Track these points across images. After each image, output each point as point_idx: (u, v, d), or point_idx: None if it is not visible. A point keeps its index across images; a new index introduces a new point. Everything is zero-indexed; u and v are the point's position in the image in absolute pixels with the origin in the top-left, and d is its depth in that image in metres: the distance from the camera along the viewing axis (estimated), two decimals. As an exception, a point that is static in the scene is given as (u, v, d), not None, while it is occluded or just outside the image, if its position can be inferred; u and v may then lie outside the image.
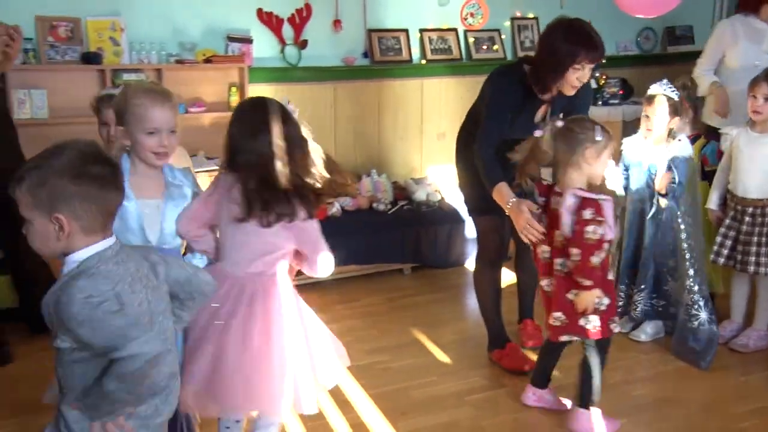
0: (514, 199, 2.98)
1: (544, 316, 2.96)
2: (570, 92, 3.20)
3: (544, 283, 2.95)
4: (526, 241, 2.94)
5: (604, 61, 3.31)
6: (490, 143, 3.18)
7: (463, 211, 4.39)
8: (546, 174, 3.07)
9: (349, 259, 4.40)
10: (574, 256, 2.71)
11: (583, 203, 2.70)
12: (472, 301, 3.91)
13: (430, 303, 4.34)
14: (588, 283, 2.72)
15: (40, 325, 3.75)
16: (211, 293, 2.05)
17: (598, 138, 2.75)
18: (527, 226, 2.89)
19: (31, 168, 1.69)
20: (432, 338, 3.84)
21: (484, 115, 3.25)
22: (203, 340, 2.27)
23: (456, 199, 4.29)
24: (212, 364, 2.24)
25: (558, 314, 2.85)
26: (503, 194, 3.04)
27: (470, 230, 4.47)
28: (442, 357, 3.66)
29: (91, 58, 4.25)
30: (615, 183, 3.55)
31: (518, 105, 3.25)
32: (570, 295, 2.81)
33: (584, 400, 2.93)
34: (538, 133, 2.85)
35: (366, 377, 3.34)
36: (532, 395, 3.11)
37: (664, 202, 3.58)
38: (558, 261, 2.83)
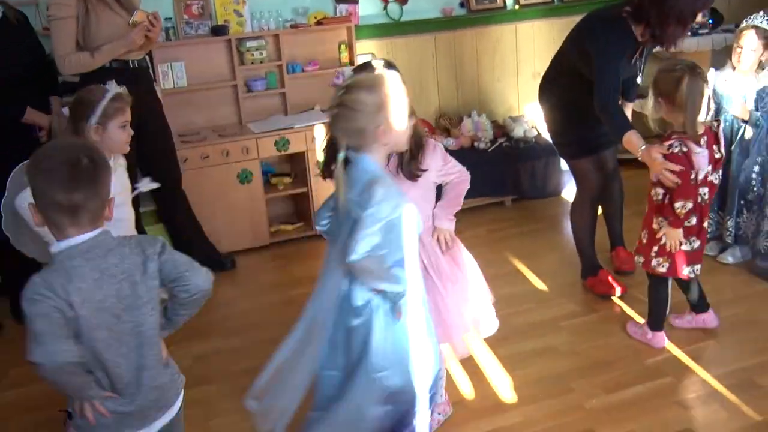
0: (645, 146, 2.91)
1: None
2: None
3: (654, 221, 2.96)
4: (669, 184, 2.83)
5: None
6: (613, 95, 3.15)
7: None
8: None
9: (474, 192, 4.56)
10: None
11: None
12: (567, 231, 3.99)
13: (528, 233, 4.45)
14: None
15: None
16: (202, 298, 1.92)
17: None
18: (663, 171, 2.80)
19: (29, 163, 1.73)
20: (530, 267, 3.96)
21: (598, 67, 3.15)
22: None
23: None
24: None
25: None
26: (633, 142, 2.97)
27: (565, 163, 4.56)
28: (540, 285, 3.77)
29: (219, 30, 4.48)
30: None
31: (626, 52, 3.23)
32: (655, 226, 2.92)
33: (649, 320, 3.12)
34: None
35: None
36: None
37: (749, 132, 3.55)
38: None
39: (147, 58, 3.88)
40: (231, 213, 4.38)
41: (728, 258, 3.78)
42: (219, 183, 4.32)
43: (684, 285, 3.14)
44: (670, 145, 2.82)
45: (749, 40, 3.46)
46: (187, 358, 3.32)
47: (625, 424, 2.65)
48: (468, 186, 2.61)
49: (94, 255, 1.70)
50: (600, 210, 3.81)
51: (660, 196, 2.90)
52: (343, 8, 4.81)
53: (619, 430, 2.63)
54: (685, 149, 2.80)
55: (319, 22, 4.71)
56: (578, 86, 3.33)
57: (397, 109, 2.05)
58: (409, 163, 2.38)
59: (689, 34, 5.17)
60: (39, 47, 3.72)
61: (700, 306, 3.19)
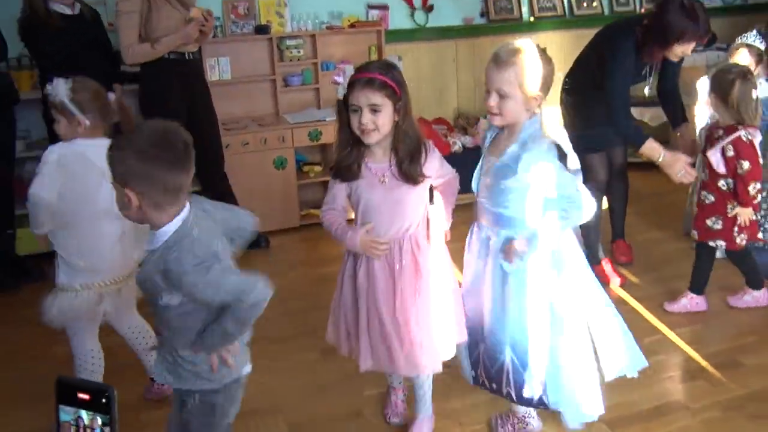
0: (665, 153, 3.22)
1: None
2: (674, 59, 3.35)
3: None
4: (686, 181, 3.25)
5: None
6: (627, 108, 3.37)
7: (565, 146, 4.63)
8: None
9: (469, 189, 4.77)
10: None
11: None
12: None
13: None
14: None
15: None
16: (251, 228, 1.96)
17: None
18: (683, 170, 3.17)
19: (113, 146, 1.69)
20: None
21: (610, 72, 3.32)
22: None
23: (559, 136, 4.52)
24: None
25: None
26: (654, 149, 3.23)
27: (571, 162, 4.75)
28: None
29: (262, 30, 4.67)
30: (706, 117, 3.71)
31: (633, 61, 3.38)
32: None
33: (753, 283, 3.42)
34: None
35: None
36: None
37: None
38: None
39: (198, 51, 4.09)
40: (266, 195, 4.56)
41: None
42: (256, 168, 4.53)
43: (739, 258, 3.41)
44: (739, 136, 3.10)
45: (742, 58, 3.64)
46: None
47: (618, 396, 2.68)
48: (458, 186, 2.45)
49: (198, 221, 1.73)
50: (606, 203, 3.95)
51: (731, 185, 3.17)
52: (374, 13, 5.01)
53: (613, 401, 2.61)
54: (750, 137, 3.08)
55: (352, 25, 4.90)
56: (594, 88, 3.50)
57: None
58: (409, 166, 2.23)
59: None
60: (107, 41, 3.95)
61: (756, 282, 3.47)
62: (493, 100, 2.19)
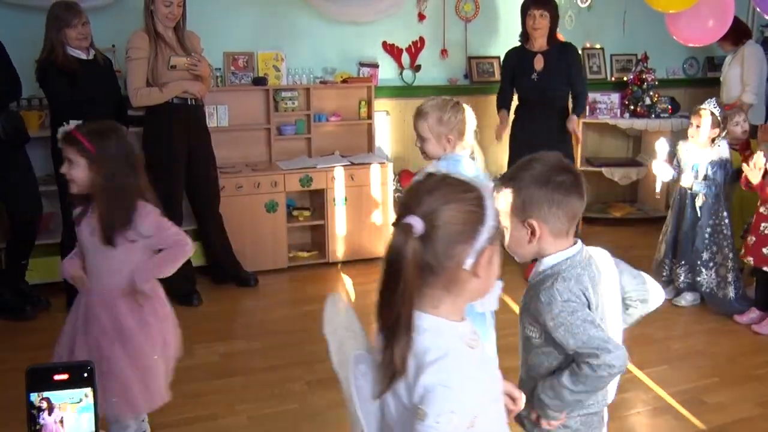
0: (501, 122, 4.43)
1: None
2: (534, 35, 4.21)
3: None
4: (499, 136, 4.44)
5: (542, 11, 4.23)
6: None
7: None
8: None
9: None
10: None
11: None
12: None
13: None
14: None
15: (219, 278, 4.49)
16: (656, 305, 1.83)
17: None
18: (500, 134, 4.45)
19: (506, 178, 1.65)
20: (512, 297, 4.17)
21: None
22: None
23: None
24: None
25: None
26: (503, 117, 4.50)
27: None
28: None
29: (259, 81, 4.81)
30: (665, 174, 3.94)
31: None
32: None
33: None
34: None
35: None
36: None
37: (700, 199, 3.91)
38: None
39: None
40: (257, 237, 4.64)
41: (681, 301, 4.11)
42: (249, 210, 4.60)
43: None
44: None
45: (704, 120, 3.87)
46: (214, 355, 3.57)
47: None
48: (185, 255, 2.29)
49: (585, 264, 1.65)
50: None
51: None
52: (365, 70, 5.17)
53: None
54: None
55: (344, 81, 5.04)
56: None
57: None
58: (106, 229, 2.15)
59: (653, 116, 5.60)
60: (117, 86, 4.07)
61: None
62: (418, 143, 2.65)
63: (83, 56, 3.80)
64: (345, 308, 1.46)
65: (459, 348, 1.23)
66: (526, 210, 1.60)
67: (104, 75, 3.92)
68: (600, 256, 1.73)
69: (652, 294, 1.81)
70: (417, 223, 1.17)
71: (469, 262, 1.20)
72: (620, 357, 1.58)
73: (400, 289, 1.16)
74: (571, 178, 1.61)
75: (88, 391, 1.15)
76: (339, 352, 1.40)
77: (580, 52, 5.80)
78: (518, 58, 4.38)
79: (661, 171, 3.95)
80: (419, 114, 2.60)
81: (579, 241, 1.68)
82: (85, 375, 1.15)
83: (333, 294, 1.55)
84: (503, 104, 4.54)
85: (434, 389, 1.15)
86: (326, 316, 1.44)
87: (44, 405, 1.12)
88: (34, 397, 1.12)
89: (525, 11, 4.27)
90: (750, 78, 5.18)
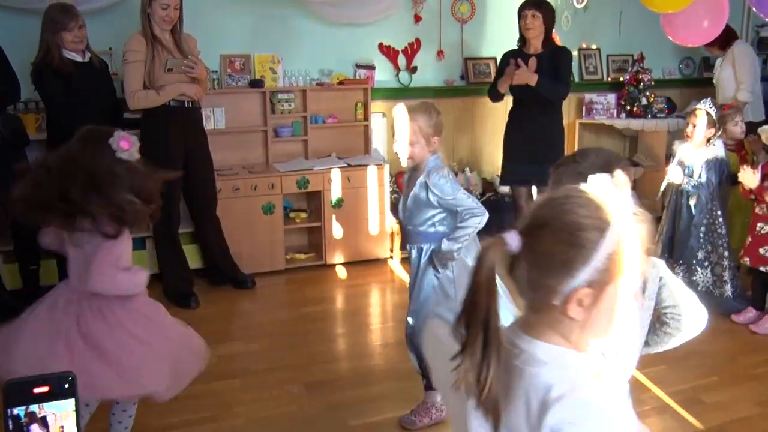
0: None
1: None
2: (527, 36, 4.27)
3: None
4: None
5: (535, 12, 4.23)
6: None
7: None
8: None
9: None
10: None
11: None
12: None
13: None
14: None
15: (216, 280, 4.49)
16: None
17: None
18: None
19: (560, 164, 1.76)
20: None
21: None
22: None
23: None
24: None
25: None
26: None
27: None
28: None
29: (256, 84, 4.80)
30: (676, 176, 3.92)
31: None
32: None
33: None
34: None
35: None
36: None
37: (693, 199, 3.92)
38: None
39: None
40: (254, 239, 4.64)
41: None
42: (246, 212, 4.60)
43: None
44: None
45: (700, 120, 3.87)
46: (212, 357, 3.46)
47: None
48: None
49: None
50: None
51: (765, 210, 3.71)
52: (362, 72, 5.17)
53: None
54: None
55: (340, 83, 5.05)
56: None
57: None
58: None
59: (649, 117, 5.61)
60: (112, 89, 4.08)
61: None
62: (401, 146, 2.62)
63: (79, 59, 3.80)
64: (446, 334, 1.37)
65: (587, 381, 1.11)
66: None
67: (100, 78, 3.91)
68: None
69: (687, 320, 1.81)
70: (513, 241, 1.10)
71: (558, 299, 1.10)
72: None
73: (476, 304, 1.09)
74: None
75: (71, 402, 1.11)
76: (438, 380, 1.38)
77: (576, 53, 5.85)
78: (514, 60, 4.39)
79: (673, 173, 3.94)
80: (407, 118, 2.60)
81: None
82: (66, 386, 1.11)
83: (432, 319, 1.56)
84: (492, 94, 4.51)
85: (561, 429, 1.06)
86: (426, 340, 1.44)
87: (26, 420, 1.09)
88: (22, 411, 1.09)
89: (519, 13, 4.28)
90: (743, 76, 5.20)
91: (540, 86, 4.16)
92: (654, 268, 1.78)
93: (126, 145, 2.20)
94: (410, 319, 2.80)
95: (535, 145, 4.29)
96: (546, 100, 4.24)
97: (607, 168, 1.67)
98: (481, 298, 1.09)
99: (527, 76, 4.14)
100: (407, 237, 2.82)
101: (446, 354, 1.18)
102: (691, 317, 1.80)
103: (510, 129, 4.55)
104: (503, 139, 4.59)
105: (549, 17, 4.29)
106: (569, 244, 1.08)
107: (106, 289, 2.18)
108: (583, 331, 1.13)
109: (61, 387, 1.11)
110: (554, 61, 4.21)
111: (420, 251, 2.72)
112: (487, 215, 2.61)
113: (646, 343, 1.85)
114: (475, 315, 1.09)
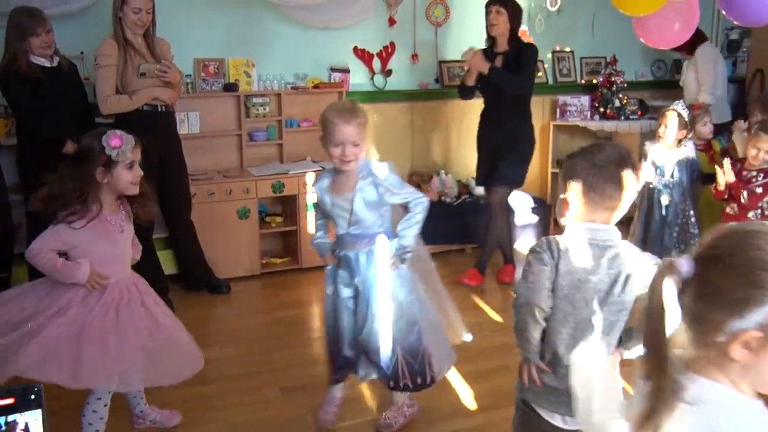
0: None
1: None
2: (491, 32, 4.28)
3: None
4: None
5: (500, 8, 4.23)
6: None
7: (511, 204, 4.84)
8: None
9: (424, 241, 4.88)
10: None
11: None
12: (518, 273, 4.36)
13: (485, 275, 4.74)
14: None
15: (191, 286, 4.45)
16: None
17: None
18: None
19: (575, 155, 1.84)
20: (486, 302, 4.26)
21: None
22: None
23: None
24: None
25: None
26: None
27: (518, 218, 4.98)
28: (495, 316, 4.05)
29: (230, 87, 4.77)
30: (647, 173, 3.95)
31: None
32: None
33: None
34: None
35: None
36: None
37: (665, 198, 3.98)
38: None
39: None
40: (229, 243, 4.61)
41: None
42: (221, 217, 4.58)
43: None
44: None
45: (671, 121, 3.92)
46: None
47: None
48: None
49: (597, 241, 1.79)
50: None
51: (735, 210, 3.63)
52: (336, 76, 5.16)
53: None
54: None
55: (315, 86, 5.04)
56: None
57: None
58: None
59: (623, 118, 5.68)
60: (83, 93, 4.02)
61: None
62: (341, 151, 2.54)
63: (47, 64, 3.75)
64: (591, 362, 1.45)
65: (758, 428, 1.04)
66: (566, 178, 1.82)
67: (69, 82, 3.87)
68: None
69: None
70: (684, 267, 1.04)
71: (722, 336, 1.02)
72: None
73: (655, 332, 1.04)
74: (610, 170, 1.77)
75: (38, 413, 1.10)
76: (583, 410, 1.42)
77: (549, 55, 5.91)
78: (470, 48, 4.40)
79: (645, 172, 3.97)
80: (356, 122, 2.53)
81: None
82: (33, 397, 1.10)
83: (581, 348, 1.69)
84: (460, 89, 4.55)
85: None
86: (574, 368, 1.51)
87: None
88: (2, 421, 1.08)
89: (485, 9, 4.29)
90: (704, 78, 5.29)
91: (492, 75, 4.18)
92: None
93: (116, 142, 2.28)
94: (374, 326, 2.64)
95: (502, 145, 4.35)
96: (509, 100, 4.26)
97: (621, 162, 1.76)
98: (658, 326, 1.04)
99: (479, 63, 4.17)
100: (345, 244, 2.65)
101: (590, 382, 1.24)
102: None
103: (480, 131, 4.59)
104: (477, 141, 4.63)
105: (514, 14, 4.27)
106: (747, 282, 1.00)
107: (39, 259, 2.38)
108: (744, 376, 1.04)
109: (27, 399, 1.10)
110: (520, 57, 4.23)
111: (369, 254, 2.62)
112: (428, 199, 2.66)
113: None
114: (656, 343, 1.05)
